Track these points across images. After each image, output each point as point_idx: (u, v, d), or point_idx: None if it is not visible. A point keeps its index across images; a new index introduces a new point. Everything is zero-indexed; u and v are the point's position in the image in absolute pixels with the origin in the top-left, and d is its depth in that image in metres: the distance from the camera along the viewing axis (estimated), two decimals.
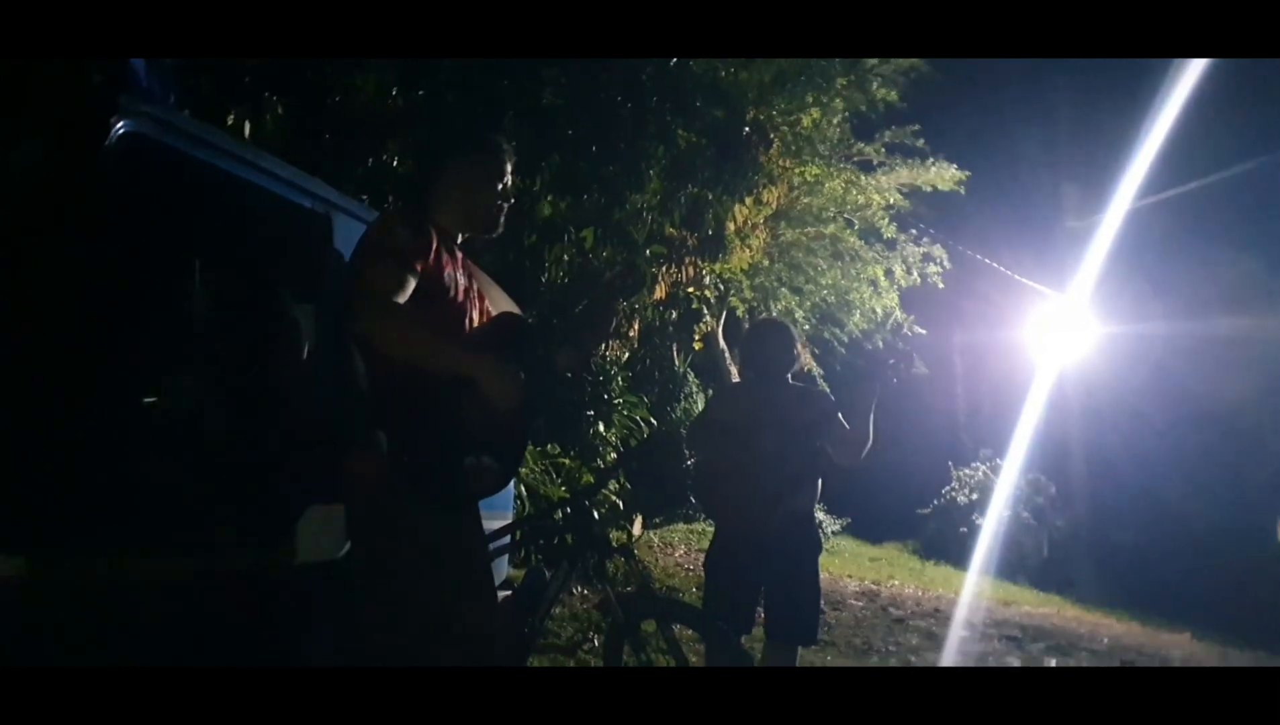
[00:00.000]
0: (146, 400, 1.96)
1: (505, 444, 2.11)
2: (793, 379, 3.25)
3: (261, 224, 2.26)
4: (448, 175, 2.13)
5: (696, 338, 9.45)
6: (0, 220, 1.85)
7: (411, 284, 1.92)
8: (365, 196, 4.98)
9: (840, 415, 3.12)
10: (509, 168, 2.20)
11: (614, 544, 2.84)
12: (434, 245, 2.00)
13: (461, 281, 2.10)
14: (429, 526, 1.96)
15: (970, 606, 8.98)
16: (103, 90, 1.91)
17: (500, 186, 2.18)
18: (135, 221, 1.92)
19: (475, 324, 2.15)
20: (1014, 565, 13.04)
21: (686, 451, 8.36)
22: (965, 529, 13.80)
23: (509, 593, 2.78)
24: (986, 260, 12.80)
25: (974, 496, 14.31)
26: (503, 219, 2.22)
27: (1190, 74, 9.66)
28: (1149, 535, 13.11)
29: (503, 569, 2.97)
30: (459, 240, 2.17)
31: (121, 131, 1.82)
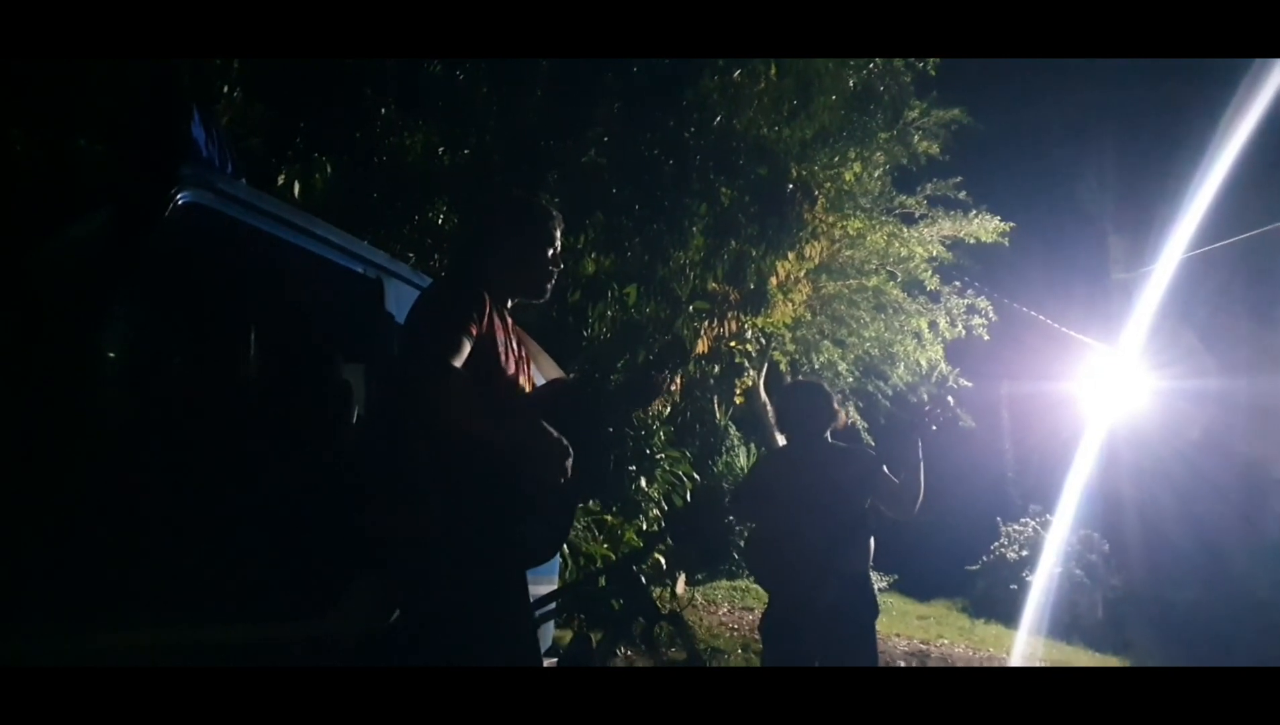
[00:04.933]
0: (202, 463, 1.97)
1: (555, 511, 2.08)
2: (833, 438, 3.21)
3: (315, 289, 2.29)
4: (500, 243, 2.14)
5: (738, 391, 9.36)
6: (63, 290, 1.89)
7: (467, 349, 1.91)
8: (412, 255, 5.05)
9: (886, 469, 3.08)
10: (559, 235, 2.21)
11: (662, 609, 2.77)
12: (486, 311, 2.00)
13: (512, 347, 2.10)
14: (476, 592, 1.93)
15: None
16: (164, 161, 1.96)
17: (551, 253, 2.19)
18: (194, 289, 1.95)
19: (524, 390, 2.13)
20: (1068, 625, 12.54)
21: (732, 521, 8.21)
22: (1015, 586, 13.33)
23: (554, 659, 2.72)
24: (1032, 312, 12.61)
25: (1024, 553, 13.85)
26: (552, 285, 2.22)
27: (1245, 120, 9.45)
28: (1209, 595, 12.54)
29: (548, 634, 2.91)
30: (509, 305, 2.17)
31: (183, 202, 1.86)
